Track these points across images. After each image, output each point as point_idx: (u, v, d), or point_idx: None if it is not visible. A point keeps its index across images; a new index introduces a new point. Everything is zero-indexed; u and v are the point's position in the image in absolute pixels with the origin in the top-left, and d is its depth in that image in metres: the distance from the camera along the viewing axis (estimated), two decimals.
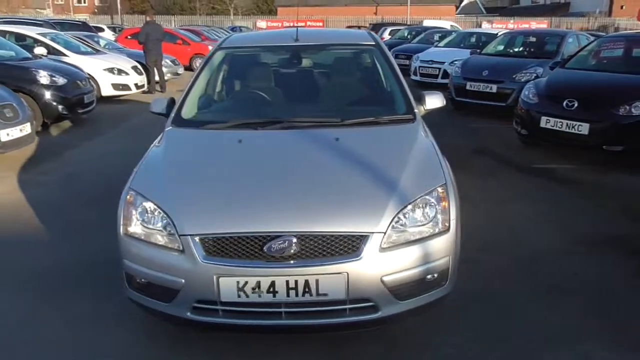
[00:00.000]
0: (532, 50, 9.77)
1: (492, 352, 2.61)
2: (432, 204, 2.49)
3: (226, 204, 2.43)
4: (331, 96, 3.55)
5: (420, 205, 2.47)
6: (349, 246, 2.30)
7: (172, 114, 3.32)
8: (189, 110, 3.36)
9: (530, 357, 2.58)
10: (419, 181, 2.59)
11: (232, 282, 2.27)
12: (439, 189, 2.56)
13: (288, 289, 2.27)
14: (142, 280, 2.48)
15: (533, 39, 10.13)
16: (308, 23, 34.22)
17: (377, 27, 24.87)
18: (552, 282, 3.25)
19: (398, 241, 2.36)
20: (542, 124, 6.09)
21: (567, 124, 5.88)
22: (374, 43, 3.86)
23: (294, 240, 2.27)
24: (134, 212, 2.52)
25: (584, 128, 5.77)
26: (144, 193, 2.56)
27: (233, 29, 29.51)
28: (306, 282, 2.26)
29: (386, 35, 22.53)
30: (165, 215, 2.42)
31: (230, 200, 2.45)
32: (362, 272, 2.28)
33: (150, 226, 2.46)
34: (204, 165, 2.79)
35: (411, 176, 2.61)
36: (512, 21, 34.23)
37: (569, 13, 40.48)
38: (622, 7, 38.73)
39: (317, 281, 2.26)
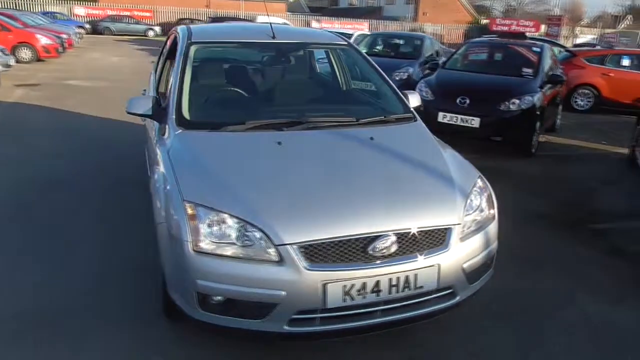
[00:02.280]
0: (399, 51, 10.68)
1: None
2: (479, 194, 2.74)
3: (316, 209, 2.37)
4: (332, 95, 3.57)
5: (473, 197, 2.70)
6: (438, 239, 2.43)
7: (172, 116, 3.03)
8: (188, 111, 3.10)
9: None
10: (463, 174, 2.83)
11: (339, 287, 2.25)
12: (479, 181, 2.82)
13: (390, 286, 2.32)
14: (220, 299, 2.29)
15: (398, 41, 11.06)
16: (135, 13, 32.09)
17: (217, 21, 24.41)
18: None
19: (468, 230, 2.56)
20: (440, 119, 6.79)
21: (461, 119, 6.66)
22: (346, 43, 3.97)
23: (394, 238, 2.33)
24: (201, 226, 2.30)
25: (475, 122, 6.59)
26: (209, 204, 2.35)
27: (46, 14, 26.21)
28: (407, 277, 2.34)
29: None
30: (249, 226, 2.27)
31: (317, 204, 2.39)
32: (449, 262, 2.44)
33: (227, 239, 2.29)
34: (257, 170, 2.64)
35: (456, 170, 2.83)
36: (337, 21, 36.33)
37: (383, 17, 44.33)
38: (424, 14, 43.72)
39: (415, 275, 2.35)
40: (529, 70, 7.22)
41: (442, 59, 9.95)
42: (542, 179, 5.96)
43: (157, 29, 31.03)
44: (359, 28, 33.20)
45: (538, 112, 6.70)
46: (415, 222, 2.39)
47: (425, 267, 2.37)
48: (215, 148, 2.81)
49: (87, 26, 29.76)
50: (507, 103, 6.57)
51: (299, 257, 2.22)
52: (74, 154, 5.80)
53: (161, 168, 2.79)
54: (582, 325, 2.97)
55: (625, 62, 11.12)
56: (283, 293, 2.22)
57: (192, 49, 3.50)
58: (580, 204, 5.09)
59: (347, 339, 2.59)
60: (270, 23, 3.74)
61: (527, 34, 9.65)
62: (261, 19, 27.02)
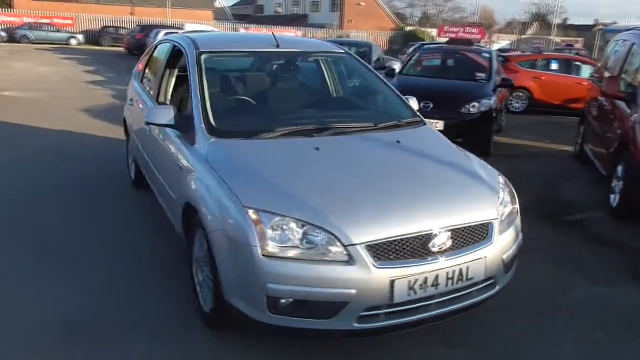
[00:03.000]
0: None
1: None
2: (503, 190, 2.96)
3: (376, 209, 2.47)
4: (344, 102, 3.68)
5: (501, 192, 2.91)
6: (483, 233, 2.61)
7: (201, 125, 3.03)
8: (215, 119, 3.10)
9: None
10: (487, 172, 3.05)
11: (404, 283, 2.36)
12: (500, 178, 3.05)
13: (447, 279, 2.47)
14: (289, 301, 2.34)
15: (348, 49, 11.30)
16: (55, 20, 30.42)
17: (147, 29, 23.72)
18: None
19: (504, 224, 2.77)
20: None
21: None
22: (343, 51, 4.12)
23: (449, 234, 2.48)
24: (267, 230, 2.35)
25: (440, 125, 6.91)
26: (271, 209, 2.40)
27: None
28: (460, 270, 2.49)
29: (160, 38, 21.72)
30: (316, 228, 2.34)
31: (375, 205, 2.49)
32: (493, 254, 2.63)
33: (293, 242, 2.34)
34: (305, 174, 2.70)
35: (479, 168, 3.05)
36: (265, 29, 36.37)
37: (308, 24, 44.91)
38: (350, 21, 44.79)
39: (467, 268, 2.52)
40: (483, 75, 7.70)
41: (392, 65, 10.33)
42: (508, 176, 6.34)
43: (80, 37, 29.59)
44: (288, 34, 33.22)
45: (494, 114, 7.15)
46: (464, 218, 2.56)
47: (475, 260, 2.54)
48: (256, 155, 2.84)
49: (3, 34, 27.89)
50: (467, 106, 6.96)
51: (367, 256, 2.32)
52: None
53: (200, 176, 2.79)
54: (589, 304, 3.27)
55: (554, 66, 12.07)
56: (353, 291, 2.30)
57: (203, 58, 3.49)
58: (550, 198, 5.52)
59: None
60: (273, 32, 3.81)
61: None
62: (189, 26, 26.61)
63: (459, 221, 2.53)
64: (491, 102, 7.05)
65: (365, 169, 2.82)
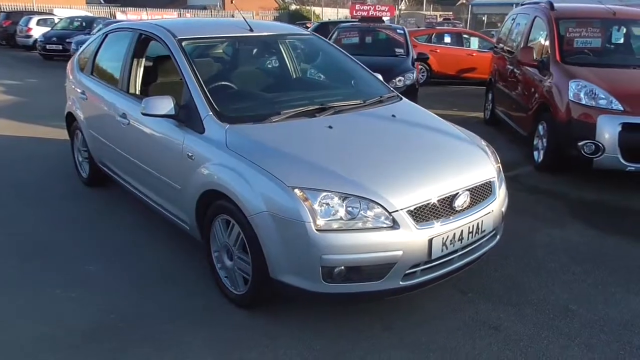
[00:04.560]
0: None
1: None
2: (489, 151, 3.35)
3: (408, 177, 2.72)
4: (328, 82, 3.84)
5: (489, 153, 3.30)
6: (489, 190, 2.99)
7: (208, 113, 3.05)
8: (219, 107, 3.13)
9: None
10: (472, 137, 3.43)
11: (439, 240, 2.66)
12: (482, 141, 3.45)
13: (468, 233, 2.80)
14: (342, 269, 2.53)
15: None
16: None
17: (14, 16, 21.49)
18: None
19: (499, 181, 3.15)
20: None
21: None
22: (309, 33, 4.28)
23: (468, 193, 2.81)
24: (316, 206, 2.51)
25: None
26: (315, 186, 2.56)
27: None
28: (477, 224, 2.84)
29: (33, 25, 19.90)
30: (361, 199, 2.54)
31: (405, 173, 2.74)
32: (497, 208, 3.01)
33: (341, 214, 2.52)
34: (332, 151, 2.87)
35: (467, 134, 3.42)
36: (145, 12, 34.57)
37: (188, 5, 43.36)
38: (232, 2, 43.96)
39: (482, 222, 2.87)
40: (401, 50, 8.20)
41: None
42: None
43: None
44: (168, 17, 31.96)
45: (416, 87, 7.69)
46: (476, 178, 2.91)
47: (486, 214, 2.90)
48: (276, 137, 2.94)
49: None
50: (394, 81, 7.36)
51: (410, 220, 2.57)
52: None
53: (223, 162, 2.85)
54: (554, 245, 3.82)
55: (447, 39, 13.04)
56: (400, 252, 2.55)
57: (184, 45, 3.46)
58: None
59: None
60: (244, 16, 3.85)
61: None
62: (60, 12, 24.65)
63: (473, 181, 2.87)
64: (413, 75, 7.57)
65: (381, 142, 3.06)
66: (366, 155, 2.87)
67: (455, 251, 2.79)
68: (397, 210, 2.56)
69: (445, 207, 2.72)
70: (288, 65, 4.16)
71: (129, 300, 3.05)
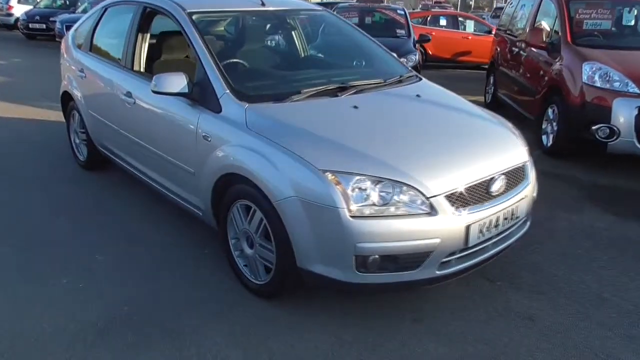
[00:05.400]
0: None
1: None
2: (518, 134, 3.21)
3: (445, 161, 2.57)
4: (346, 60, 3.65)
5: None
6: (523, 174, 2.85)
7: (225, 91, 2.86)
8: (236, 84, 2.94)
9: None
10: (500, 119, 3.28)
11: (477, 227, 2.52)
12: (509, 123, 3.31)
13: (503, 219, 2.66)
14: (376, 257, 2.38)
15: None
16: None
17: None
18: None
19: (530, 165, 3.02)
20: None
21: None
22: (323, 9, 4.08)
23: (504, 177, 2.67)
24: (349, 191, 2.34)
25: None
26: (348, 170, 2.40)
27: None
28: (512, 210, 2.70)
29: (14, 3, 19.19)
30: (396, 184, 2.39)
31: (439, 156, 2.59)
32: (529, 192, 2.88)
33: (375, 200, 2.37)
34: (361, 132, 2.70)
35: (494, 116, 3.27)
36: None
37: None
38: None
39: (517, 208, 2.74)
40: (402, 31, 8.02)
41: None
42: None
43: None
44: None
45: (419, 69, 7.52)
46: (511, 162, 2.77)
47: (521, 200, 2.77)
48: (300, 117, 2.77)
49: None
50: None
51: (447, 205, 2.43)
52: None
53: (244, 144, 2.67)
54: (575, 230, 3.72)
55: (443, 22, 12.85)
56: (437, 240, 2.41)
57: (195, 18, 3.25)
58: None
59: None
60: None
61: None
62: None
63: (508, 164, 2.73)
64: (416, 56, 7.40)
65: (410, 123, 2.90)
66: (396, 137, 2.71)
67: (490, 238, 2.66)
68: (434, 196, 2.41)
69: (481, 192, 2.57)
70: (302, 42, 3.96)
71: (141, 291, 2.87)
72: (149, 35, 3.73)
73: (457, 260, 2.56)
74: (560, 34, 5.71)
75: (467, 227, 2.47)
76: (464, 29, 13.01)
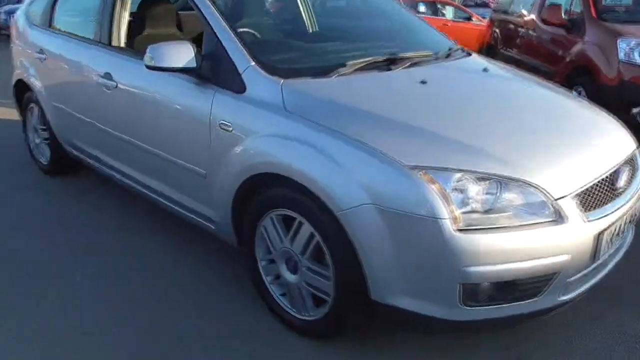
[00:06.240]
0: None
1: None
2: None
3: (558, 151, 1.91)
4: (382, 29, 2.97)
5: None
6: (635, 165, 2.21)
7: (251, 63, 2.13)
8: (264, 56, 2.22)
9: None
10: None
11: (607, 235, 1.88)
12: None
13: (625, 224, 2.03)
14: (486, 285, 1.71)
15: None
16: None
17: None
18: None
19: None
20: None
21: None
22: None
23: (628, 168, 2.05)
24: (450, 195, 1.66)
25: None
26: (444, 165, 1.72)
27: None
28: (634, 210, 2.08)
29: None
30: (511, 182, 1.72)
31: (556, 147, 1.93)
32: None
33: (483, 206, 1.70)
34: (438, 115, 2.01)
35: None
36: None
37: None
38: None
39: (638, 206, 2.11)
40: None
41: None
42: None
43: None
44: None
45: None
46: (625, 150, 2.13)
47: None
48: (358, 97, 2.06)
49: None
50: None
51: (577, 209, 1.78)
52: None
53: (284, 133, 1.96)
54: None
55: (422, 8, 12.32)
56: (566, 257, 1.75)
57: None
58: None
59: None
60: None
61: None
62: None
63: (625, 153, 2.10)
64: None
65: (497, 103, 2.23)
66: (489, 121, 2.03)
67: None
68: (562, 197, 1.75)
69: (607, 190, 1.93)
70: (330, 7, 3.25)
71: (140, 326, 2.11)
72: (129, 3, 2.94)
73: (580, 280, 1.91)
74: (583, 9, 5.18)
75: (598, 237, 1.83)
76: (444, 15, 12.50)
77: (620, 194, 1.98)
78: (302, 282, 2.02)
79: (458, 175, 1.69)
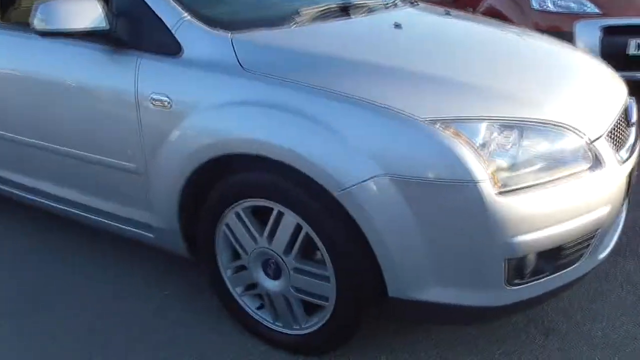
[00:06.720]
0: None
1: None
2: None
3: (572, 90, 1.64)
4: None
5: None
6: None
7: (181, 16, 1.62)
8: (202, 7, 1.72)
9: None
10: None
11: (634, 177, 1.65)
12: None
13: None
14: (531, 256, 1.39)
15: None
16: None
17: None
18: None
19: None
20: None
21: None
22: None
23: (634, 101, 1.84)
24: (482, 151, 1.32)
25: None
26: (468, 114, 1.36)
27: None
28: None
29: None
30: (540, 126, 1.41)
31: (560, 85, 1.65)
32: None
33: (516, 159, 1.37)
34: (432, 60, 1.63)
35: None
36: None
37: None
38: None
39: None
40: None
41: None
42: None
43: None
44: None
45: None
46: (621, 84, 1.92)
47: None
48: (334, 47, 1.63)
49: None
50: None
51: (612, 150, 1.53)
52: None
53: (244, 97, 1.50)
54: None
55: None
56: (607, 209, 1.49)
57: None
58: None
59: None
60: None
61: None
62: None
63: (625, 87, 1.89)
64: None
65: (485, 46, 1.90)
66: (490, 65, 1.68)
67: None
68: (597, 138, 1.47)
69: (623, 125, 1.70)
70: None
71: None
72: None
73: (611, 232, 1.67)
74: None
75: (629, 179, 1.59)
76: None
77: (632, 127, 1.76)
78: (289, 289, 1.59)
79: (485, 124, 1.35)
